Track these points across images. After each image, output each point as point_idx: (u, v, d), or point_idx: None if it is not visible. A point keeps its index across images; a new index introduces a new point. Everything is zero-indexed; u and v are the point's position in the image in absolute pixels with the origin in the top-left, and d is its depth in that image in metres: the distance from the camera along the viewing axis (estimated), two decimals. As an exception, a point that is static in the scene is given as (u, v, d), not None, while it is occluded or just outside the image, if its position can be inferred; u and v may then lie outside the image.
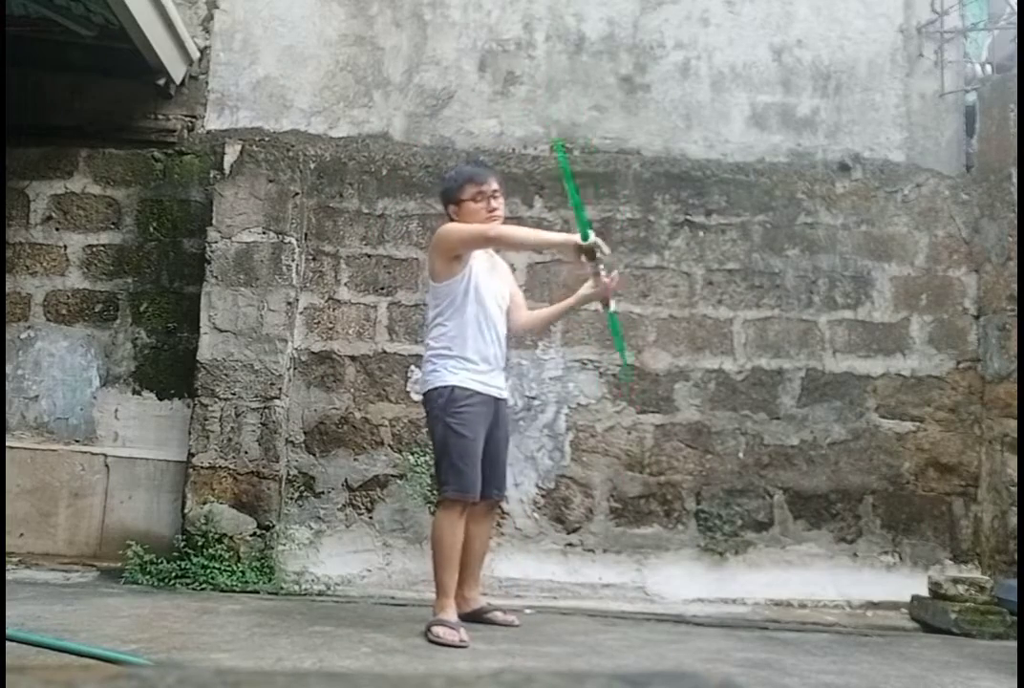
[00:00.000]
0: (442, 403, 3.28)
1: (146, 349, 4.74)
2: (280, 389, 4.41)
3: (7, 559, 4.23)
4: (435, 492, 4.43)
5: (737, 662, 3.03)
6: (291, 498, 4.46)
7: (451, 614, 3.12)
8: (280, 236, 4.52)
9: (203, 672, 0.57)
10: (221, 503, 4.27)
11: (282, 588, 4.14)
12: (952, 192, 4.82)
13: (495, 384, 3.40)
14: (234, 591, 4.01)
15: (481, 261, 3.46)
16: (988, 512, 4.53)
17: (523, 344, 4.49)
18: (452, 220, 3.45)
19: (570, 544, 4.48)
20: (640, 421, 4.58)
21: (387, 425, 4.54)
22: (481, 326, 3.35)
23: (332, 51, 4.99)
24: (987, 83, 4.91)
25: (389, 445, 4.52)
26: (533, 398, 4.56)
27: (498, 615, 3.49)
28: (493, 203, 3.45)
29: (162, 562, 4.14)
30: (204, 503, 4.26)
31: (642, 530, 4.51)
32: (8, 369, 4.71)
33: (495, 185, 3.49)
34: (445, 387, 3.28)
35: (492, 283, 3.48)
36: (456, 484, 3.23)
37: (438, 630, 3.02)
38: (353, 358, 4.60)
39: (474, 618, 3.38)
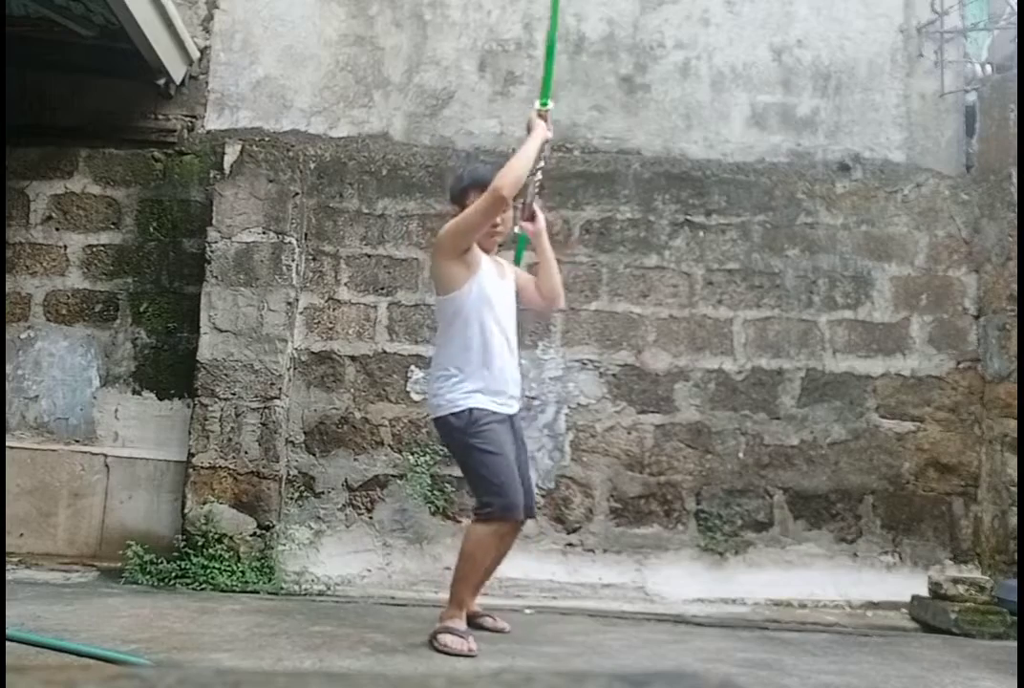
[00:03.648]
0: (462, 427, 3.10)
1: (146, 349, 4.73)
2: (280, 389, 4.41)
3: (7, 559, 4.23)
4: (435, 492, 4.45)
5: (737, 662, 3.03)
6: (291, 498, 4.46)
7: (460, 623, 3.03)
8: (280, 236, 4.52)
9: (203, 672, 0.57)
10: (221, 503, 4.27)
11: (282, 588, 4.14)
12: (952, 192, 4.82)
13: (508, 398, 3.19)
14: (234, 591, 4.01)
15: (489, 266, 3.22)
16: (988, 512, 4.53)
17: (523, 344, 4.48)
18: None
19: (570, 544, 4.48)
20: (640, 421, 4.58)
21: (387, 425, 4.54)
22: (493, 338, 3.13)
23: (332, 51, 4.99)
24: (987, 83, 4.91)
25: (389, 445, 4.52)
26: (533, 398, 4.55)
27: (488, 621, 3.35)
28: (496, 218, 3.13)
29: (162, 562, 4.13)
30: (204, 503, 4.26)
31: (642, 530, 4.51)
32: (8, 369, 4.71)
33: None
34: (462, 412, 3.09)
35: (502, 288, 3.24)
36: (500, 504, 3.04)
37: (446, 638, 2.94)
38: (353, 358, 4.60)
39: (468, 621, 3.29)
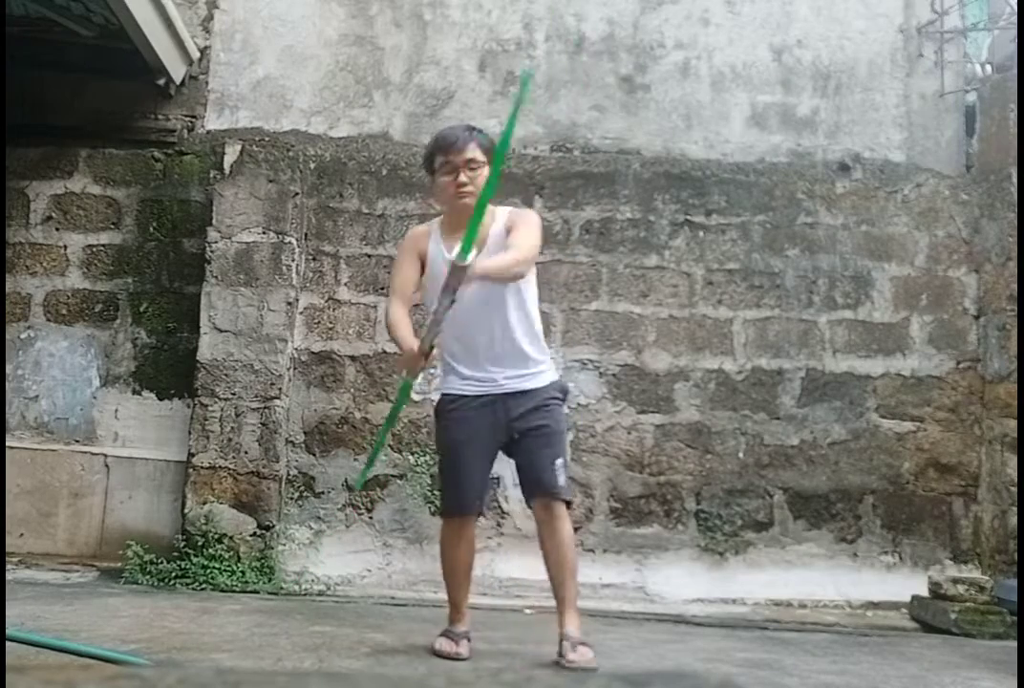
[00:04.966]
0: (435, 416, 3.09)
1: (146, 349, 4.73)
2: (280, 389, 4.41)
3: (7, 559, 4.22)
4: (435, 492, 4.44)
5: (737, 662, 3.03)
6: (291, 498, 4.46)
7: (455, 625, 2.96)
8: (280, 236, 4.52)
9: (203, 672, 0.57)
10: (221, 503, 4.27)
11: (282, 588, 4.14)
12: (952, 192, 4.82)
13: (487, 377, 2.92)
14: (234, 591, 4.01)
15: (438, 247, 2.92)
16: (988, 512, 4.53)
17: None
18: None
19: (570, 544, 4.47)
20: (640, 421, 4.58)
21: (387, 425, 4.54)
22: (455, 317, 2.71)
23: (332, 51, 4.99)
24: (987, 83, 4.91)
25: (389, 445, 4.51)
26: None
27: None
28: (462, 176, 2.79)
29: (162, 562, 4.13)
30: (204, 503, 4.26)
31: (642, 530, 4.51)
32: (8, 369, 4.71)
33: (469, 153, 2.79)
34: (439, 399, 3.07)
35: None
36: (443, 503, 3.08)
37: (439, 640, 2.91)
38: (353, 358, 4.60)
39: None
